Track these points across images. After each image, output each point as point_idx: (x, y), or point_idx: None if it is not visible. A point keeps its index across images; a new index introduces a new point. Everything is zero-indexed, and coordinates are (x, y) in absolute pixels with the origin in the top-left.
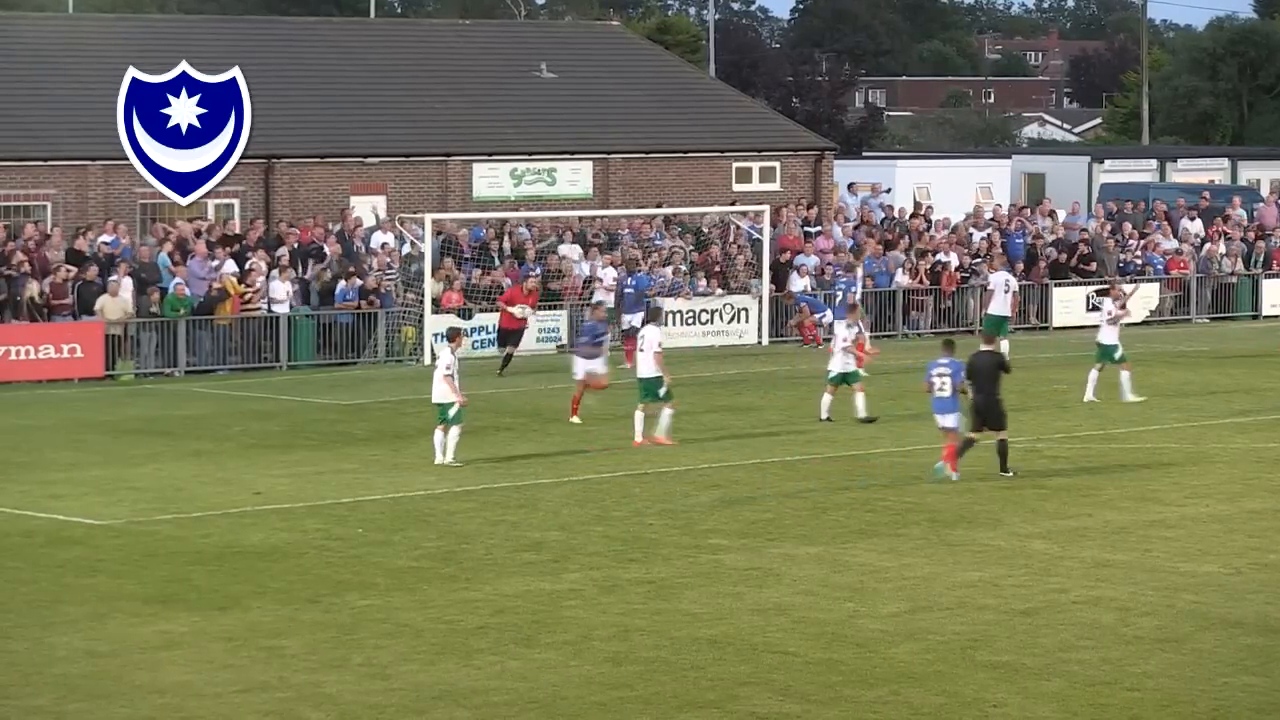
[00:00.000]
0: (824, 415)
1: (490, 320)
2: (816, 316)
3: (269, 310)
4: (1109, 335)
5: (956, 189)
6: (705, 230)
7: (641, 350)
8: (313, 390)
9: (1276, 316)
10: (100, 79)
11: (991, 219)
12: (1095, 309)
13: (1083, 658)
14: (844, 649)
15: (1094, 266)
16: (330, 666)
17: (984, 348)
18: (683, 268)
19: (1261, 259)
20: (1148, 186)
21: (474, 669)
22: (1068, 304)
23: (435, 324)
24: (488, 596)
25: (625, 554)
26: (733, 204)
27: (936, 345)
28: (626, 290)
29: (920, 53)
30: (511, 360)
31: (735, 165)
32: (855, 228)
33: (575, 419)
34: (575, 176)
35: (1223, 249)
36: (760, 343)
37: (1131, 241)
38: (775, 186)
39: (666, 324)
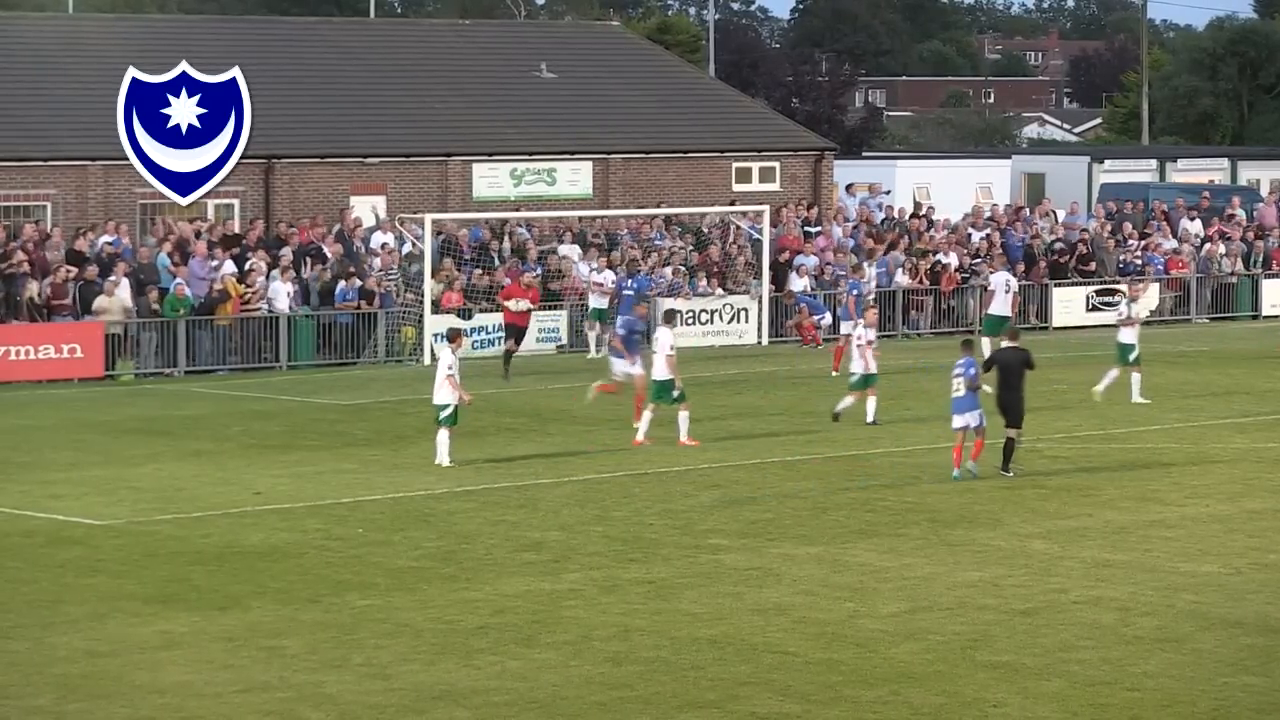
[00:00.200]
0: (838, 411)
1: (490, 320)
2: (815, 318)
3: (269, 310)
4: (1128, 335)
5: (956, 189)
6: (705, 230)
7: (654, 352)
8: (313, 390)
9: (1276, 316)
10: (100, 79)
11: (990, 218)
12: (1096, 309)
13: (1083, 658)
14: (844, 649)
15: (1094, 266)
16: (330, 666)
17: (1008, 343)
18: (682, 268)
19: (1261, 259)
20: (1147, 186)
21: (474, 669)
22: (1068, 304)
23: (435, 324)
24: (488, 596)
25: (625, 554)
26: (732, 204)
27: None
28: (625, 292)
29: (920, 53)
30: (511, 360)
31: (735, 165)
32: (854, 228)
33: (641, 437)
34: (575, 176)
35: (1222, 249)
36: (760, 343)
37: (1131, 241)
38: (775, 187)
39: None
